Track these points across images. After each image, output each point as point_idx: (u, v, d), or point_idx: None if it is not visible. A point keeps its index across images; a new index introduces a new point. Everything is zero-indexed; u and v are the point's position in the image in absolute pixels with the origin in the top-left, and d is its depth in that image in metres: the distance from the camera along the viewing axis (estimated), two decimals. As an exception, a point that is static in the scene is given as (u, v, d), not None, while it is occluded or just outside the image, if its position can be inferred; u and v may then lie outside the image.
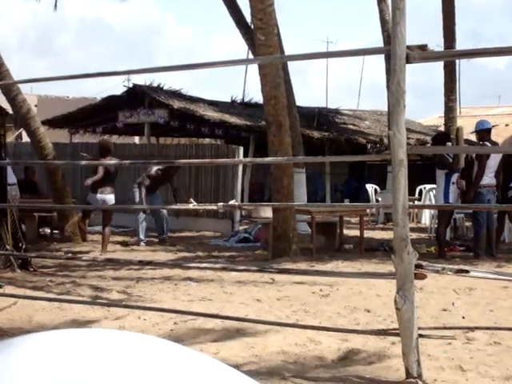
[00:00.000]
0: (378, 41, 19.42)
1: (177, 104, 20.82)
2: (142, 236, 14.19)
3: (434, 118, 31.34)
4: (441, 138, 13.24)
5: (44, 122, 19.34)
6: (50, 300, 7.67)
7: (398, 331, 5.01)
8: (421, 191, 19.15)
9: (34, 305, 7.65)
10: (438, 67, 16.80)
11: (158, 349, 1.42)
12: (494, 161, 12.03)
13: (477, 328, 6.31)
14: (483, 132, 12.33)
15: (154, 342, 1.46)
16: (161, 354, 1.40)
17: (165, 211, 14.38)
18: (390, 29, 5.00)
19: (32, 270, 10.30)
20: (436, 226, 13.54)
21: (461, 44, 16.40)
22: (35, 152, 14.28)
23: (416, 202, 17.37)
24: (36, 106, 29.20)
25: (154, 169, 14.15)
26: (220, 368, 1.43)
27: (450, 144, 12.82)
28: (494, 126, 14.35)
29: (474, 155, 12.52)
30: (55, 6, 18.37)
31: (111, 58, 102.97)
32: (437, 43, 16.45)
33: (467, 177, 12.48)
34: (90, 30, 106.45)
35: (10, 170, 12.16)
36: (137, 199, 14.02)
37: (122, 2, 19.88)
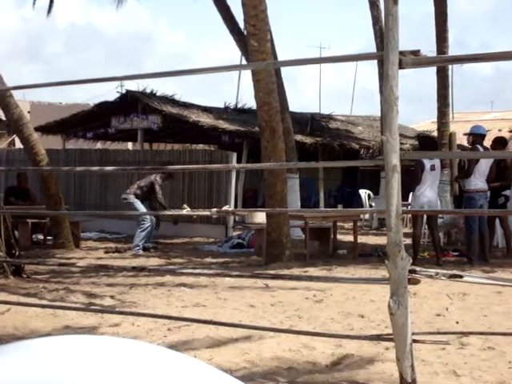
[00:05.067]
0: (370, 46, 19.44)
1: (170, 110, 20.81)
2: (141, 243, 14.07)
3: (426, 123, 31.41)
4: (430, 142, 13.20)
5: (37, 129, 19.31)
6: (43, 306, 7.65)
7: (391, 336, 5.00)
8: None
9: (27, 311, 7.62)
10: (431, 73, 16.85)
11: (152, 355, 1.41)
12: (484, 165, 12.05)
13: (471, 333, 6.31)
14: (476, 136, 12.35)
15: (147, 348, 1.46)
16: (154, 359, 1.39)
17: (154, 220, 14.40)
18: (383, 34, 5.01)
19: (25, 276, 10.27)
20: (429, 231, 13.54)
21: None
22: (28, 158, 14.25)
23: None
24: (29, 112, 29.19)
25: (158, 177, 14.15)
26: (214, 374, 1.43)
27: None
28: (487, 131, 14.38)
29: (466, 161, 12.53)
30: (48, 11, 18.31)
31: (102, 64, 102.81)
32: (430, 49, 16.52)
33: (459, 181, 12.50)
34: (80, 36, 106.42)
35: None
36: (142, 209, 14.03)
37: (116, 9, 19.65)
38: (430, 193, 12.17)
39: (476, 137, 12.37)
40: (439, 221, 13.29)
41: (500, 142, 12.73)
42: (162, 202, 14.14)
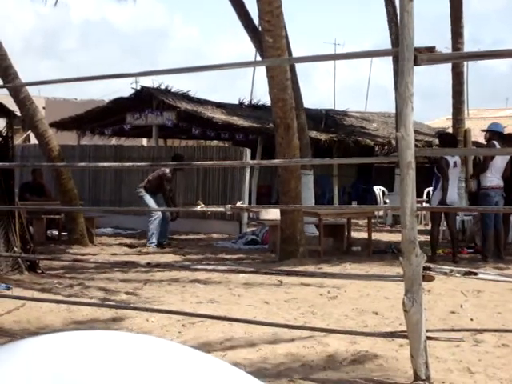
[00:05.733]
0: (385, 43, 19.41)
1: (184, 106, 20.83)
2: (155, 239, 14.13)
3: (441, 120, 31.33)
4: (451, 140, 13.12)
5: (52, 124, 19.40)
6: (57, 302, 7.68)
7: (406, 333, 5.00)
8: (429, 193, 19.11)
9: (41, 307, 7.65)
10: (446, 69, 16.80)
11: (166, 350, 1.42)
12: (500, 162, 12.00)
13: (485, 330, 6.30)
14: (492, 133, 12.31)
15: (161, 343, 1.46)
16: (168, 355, 1.40)
17: (168, 214, 14.47)
18: (398, 31, 5.00)
19: (40, 272, 10.30)
20: (445, 228, 13.49)
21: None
22: (43, 154, 14.29)
23: (424, 204, 17.32)
24: (44, 108, 29.31)
25: (167, 171, 14.21)
26: (227, 370, 1.43)
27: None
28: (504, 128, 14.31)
29: (481, 157, 12.47)
30: (56, 2, 18.20)
31: (117, 60, 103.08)
32: (445, 45, 16.49)
33: (476, 178, 12.44)
34: (95, 32, 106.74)
35: None
36: (151, 202, 14.14)
37: (122, 2, 19.58)
38: (451, 190, 12.10)
39: (493, 134, 12.33)
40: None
41: (510, 139, 12.67)
42: (168, 198, 14.20)
